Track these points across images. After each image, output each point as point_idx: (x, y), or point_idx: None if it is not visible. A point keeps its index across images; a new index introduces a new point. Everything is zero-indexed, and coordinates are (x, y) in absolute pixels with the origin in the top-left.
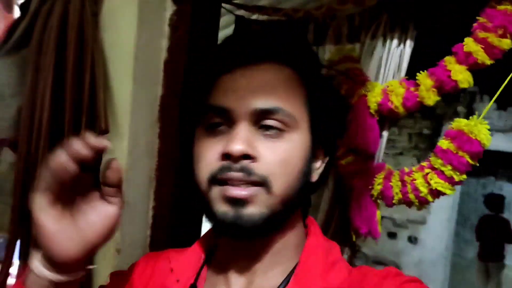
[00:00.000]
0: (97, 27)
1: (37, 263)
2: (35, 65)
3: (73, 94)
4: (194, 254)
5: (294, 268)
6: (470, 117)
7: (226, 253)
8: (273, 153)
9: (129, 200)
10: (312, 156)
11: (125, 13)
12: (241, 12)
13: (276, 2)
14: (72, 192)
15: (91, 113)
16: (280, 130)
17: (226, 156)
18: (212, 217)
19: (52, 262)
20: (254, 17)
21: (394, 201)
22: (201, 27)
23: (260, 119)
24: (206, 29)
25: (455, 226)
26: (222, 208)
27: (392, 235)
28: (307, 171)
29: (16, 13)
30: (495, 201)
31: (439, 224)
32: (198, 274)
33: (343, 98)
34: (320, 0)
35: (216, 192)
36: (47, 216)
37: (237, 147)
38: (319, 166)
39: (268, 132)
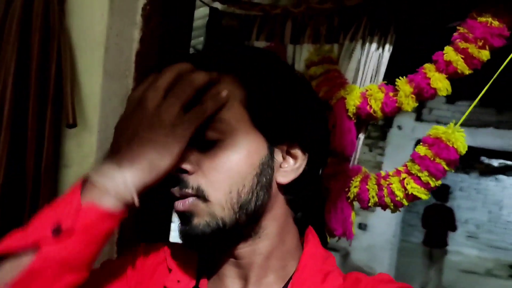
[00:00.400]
0: (63, 15)
1: (123, 175)
2: None
3: (37, 85)
4: (192, 256)
5: (292, 276)
6: (447, 125)
7: (219, 260)
8: (208, 164)
9: None
10: (273, 156)
11: (95, 1)
12: (216, 5)
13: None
14: None
15: (57, 105)
16: (216, 138)
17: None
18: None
19: (148, 173)
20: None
21: (370, 204)
22: (175, 18)
23: (196, 133)
24: (180, 21)
25: (403, 214)
26: (178, 224)
27: None
28: (259, 173)
29: None
30: (441, 191)
31: (387, 212)
32: (199, 277)
33: (306, 93)
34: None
35: (174, 210)
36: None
37: None
38: (298, 165)
39: (205, 144)
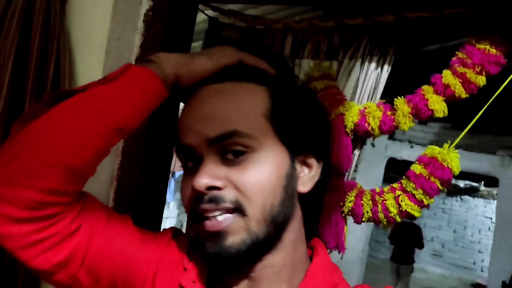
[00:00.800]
0: (64, 14)
1: (168, 56)
2: None
3: (34, 84)
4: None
5: (299, 285)
6: (444, 145)
7: (231, 271)
8: (240, 177)
9: None
10: (294, 167)
11: (99, 3)
12: (216, 15)
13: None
14: None
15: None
16: (243, 152)
17: (195, 192)
18: (202, 251)
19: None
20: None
21: (363, 219)
22: (177, 26)
23: (221, 147)
24: (181, 29)
25: (371, 230)
26: (206, 243)
27: None
28: (286, 184)
29: None
30: None
31: (358, 228)
32: (211, 285)
33: (315, 102)
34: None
35: (199, 228)
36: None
37: (200, 182)
38: (313, 173)
39: (232, 158)
